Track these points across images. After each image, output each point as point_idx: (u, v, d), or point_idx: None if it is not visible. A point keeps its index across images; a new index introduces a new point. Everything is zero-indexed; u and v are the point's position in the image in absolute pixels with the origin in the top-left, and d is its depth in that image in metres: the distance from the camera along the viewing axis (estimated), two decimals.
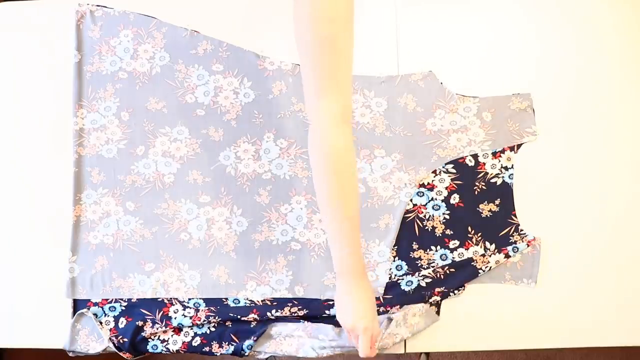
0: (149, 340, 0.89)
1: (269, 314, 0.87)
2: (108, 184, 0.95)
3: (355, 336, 0.72)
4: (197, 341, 0.88)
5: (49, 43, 0.99)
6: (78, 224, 0.94)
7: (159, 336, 0.89)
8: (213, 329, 0.89)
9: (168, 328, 0.89)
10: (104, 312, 0.91)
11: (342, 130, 0.67)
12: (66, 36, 0.98)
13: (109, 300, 0.92)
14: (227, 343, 0.88)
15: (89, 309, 0.91)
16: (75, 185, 0.94)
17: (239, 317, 0.87)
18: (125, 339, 0.89)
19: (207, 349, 0.88)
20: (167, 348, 0.88)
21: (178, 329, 0.89)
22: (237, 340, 0.87)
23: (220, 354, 0.88)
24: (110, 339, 0.89)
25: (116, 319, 0.90)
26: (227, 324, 0.89)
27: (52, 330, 0.92)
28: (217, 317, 0.88)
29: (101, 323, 0.90)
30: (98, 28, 0.97)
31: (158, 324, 0.89)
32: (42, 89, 0.98)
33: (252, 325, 0.88)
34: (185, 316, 0.89)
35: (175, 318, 0.89)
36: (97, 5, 0.98)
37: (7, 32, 1.00)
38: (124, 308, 0.91)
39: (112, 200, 0.94)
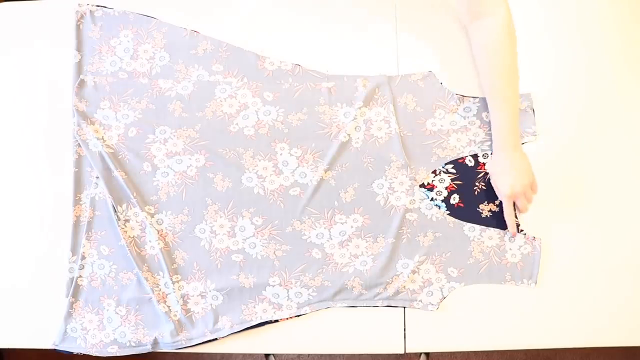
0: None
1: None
2: None
3: (513, 200, 0.85)
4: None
5: (48, 43, 0.99)
6: (78, 224, 0.94)
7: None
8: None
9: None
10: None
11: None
12: (66, 36, 0.98)
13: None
14: None
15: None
16: (75, 185, 0.94)
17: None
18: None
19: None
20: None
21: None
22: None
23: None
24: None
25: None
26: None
27: (52, 330, 0.92)
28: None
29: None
30: (98, 28, 0.97)
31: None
32: (42, 89, 0.98)
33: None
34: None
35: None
36: (97, 6, 0.98)
37: (7, 32, 1.00)
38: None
39: None
